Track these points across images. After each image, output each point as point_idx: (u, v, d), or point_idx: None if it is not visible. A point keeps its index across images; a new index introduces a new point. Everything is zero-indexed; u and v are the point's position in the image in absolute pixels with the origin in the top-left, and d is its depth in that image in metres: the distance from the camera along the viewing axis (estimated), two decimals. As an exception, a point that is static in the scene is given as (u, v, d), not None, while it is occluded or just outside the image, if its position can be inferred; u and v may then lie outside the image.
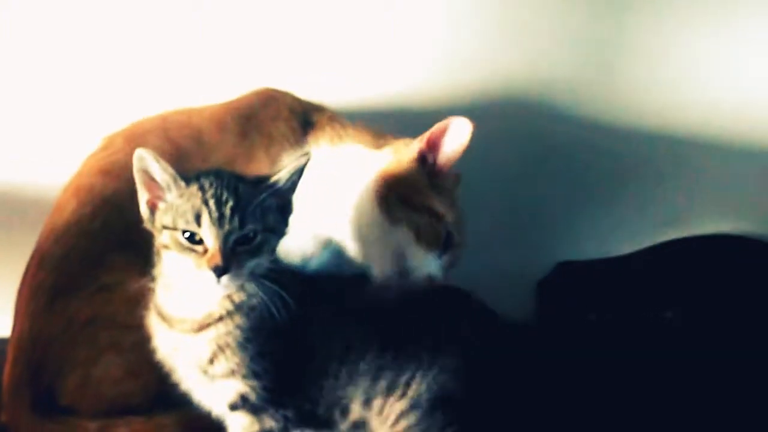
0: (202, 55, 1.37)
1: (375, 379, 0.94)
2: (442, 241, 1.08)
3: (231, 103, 1.20)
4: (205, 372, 0.91)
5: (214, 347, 0.90)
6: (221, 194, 0.86)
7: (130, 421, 1.02)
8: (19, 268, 1.11)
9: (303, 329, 0.93)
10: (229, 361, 0.90)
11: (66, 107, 1.36)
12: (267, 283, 0.88)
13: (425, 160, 1.10)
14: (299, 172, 0.91)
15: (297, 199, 1.05)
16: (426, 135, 1.09)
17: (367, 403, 0.94)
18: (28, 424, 1.04)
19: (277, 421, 0.93)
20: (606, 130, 1.49)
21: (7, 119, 1.36)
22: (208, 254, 0.85)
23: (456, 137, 1.08)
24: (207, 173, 0.89)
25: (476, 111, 1.32)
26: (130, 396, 1.03)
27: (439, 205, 1.09)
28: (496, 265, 1.39)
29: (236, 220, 0.85)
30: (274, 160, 1.13)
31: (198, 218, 0.85)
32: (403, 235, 1.08)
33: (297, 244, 1.11)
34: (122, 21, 1.35)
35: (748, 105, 1.50)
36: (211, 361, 0.90)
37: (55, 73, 1.35)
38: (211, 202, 0.85)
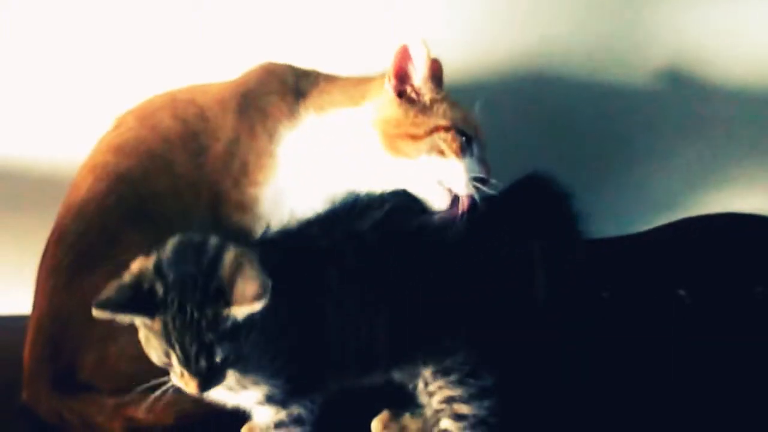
0: (212, 34, 1.38)
1: (399, 336, 0.93)
2: (463, 144, 1.06)
3: (232, 81, 1.21)
4: (230, 388, 0.91)
5: (237, 375, 0.90)
6: (184, 337, 0.82)
7: (147, 398, 1.03)
8: (38, 247, 1.12)
9: (307, 314, 0.92)
10: (250, 375, 0.90)
11: (81, 89, 1.37)
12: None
13: (404, 92, 1.09)
14: None
15: (306, 174, 1.09)
16: (390, 71, 1.08)
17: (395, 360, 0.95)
18: (48, 401, 1.05)
19: (304, 406, 0.94)
20: (623, 107, 1.48)
21: (25, 101, 1.37)
22: (185, 381, 0.84)
23: (417, 58, 1.07)
24: (169, 290, 0.82)
25: (490, 88, 1.32)
26: (148, 373, 1.04)
27: (441, 119, 1.08)
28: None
29: (203, 361, 0.82)
30: (271, 135, 1.14)
31: (168, 355, 0.83)
32: (431, 162, 1.06)
33: None
34: (134, 3, 1.35)
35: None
36: (239, 382, 0.91)
37: (70, 57, 1.36)
38: (177, 346, 0.82)
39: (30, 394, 1.07)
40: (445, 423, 0.96)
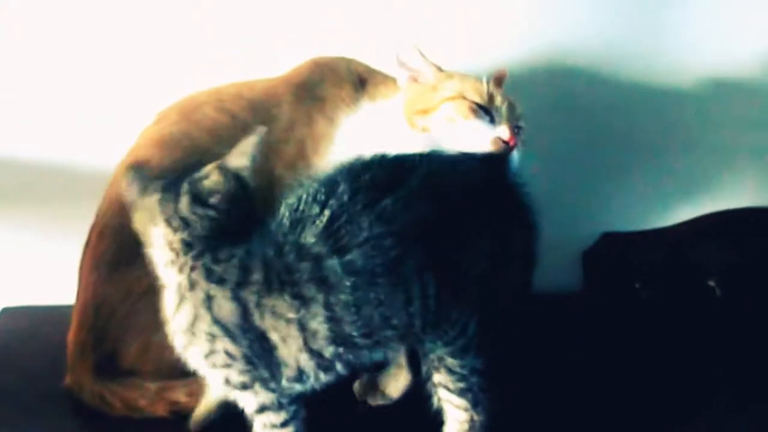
0: (253, 31, 1.39)
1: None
2: (473, 109, 1.11)
3: (281, 76, 1.23)
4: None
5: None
6: None
7: (189, 383, 1.07)
8: (80, 239, 1.15)
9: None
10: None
11: (121, 85, 1.39)
12: None
13: (417, 79, 1.16)
14: None
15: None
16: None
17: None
18: (91, 386, 1.09)
19: (269, 392, 0.93)
20: (651, 99, 1.48)
21: (65, 95, 1.39)
22: None
23: (411, 58, 1.16)
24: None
25: (515, 80, 1.33)
26: (189, 361, 1.07)
27: (446, 92, 1.13)
28: (541, 235, 1.39)
29: None
30: (331, 120, 1.17)
31: None
32: (447, 130, 1.11)
33: None
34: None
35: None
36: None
37: (111, 52, 1.38)
38: None
39: (73, 379, 1.10)
40: (438, 377, 0.97)
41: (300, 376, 0.91)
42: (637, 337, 1.28)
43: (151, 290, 1.05)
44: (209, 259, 0.90)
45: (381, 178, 0.91)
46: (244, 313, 0.88)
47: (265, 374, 0.91)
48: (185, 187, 0.92)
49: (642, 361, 1.21)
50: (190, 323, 0.90)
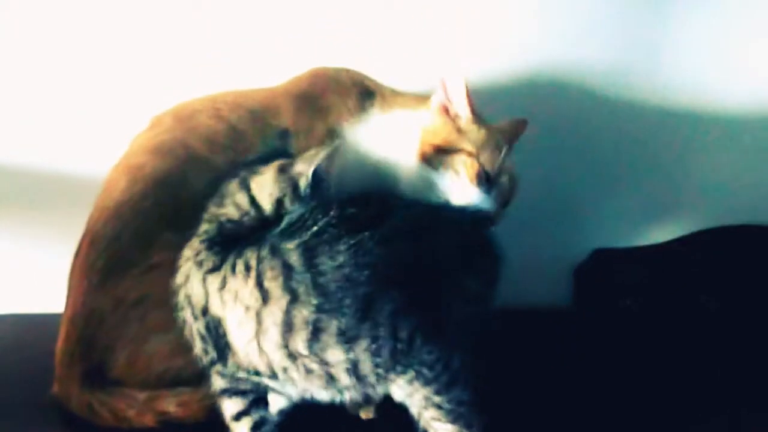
0: (248, 38, 1.39)
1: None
2: (479, 175, 1.11)
3: (280, 86, 1.22)
4: None
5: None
6: None
7: (178, 392, 1.06)
8: (70, 247, 1.14)
9: None
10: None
11: (114, 88, 1.38)
12: None
13: (448, 110, 1.15)
14: None
15: (359, 168, 1.12)
16: (439, 90, 1.15)
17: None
18: (78, 395, 1.08)
19: (222, 377, 0.96)
20: (643, 118, 1.49)
21: (56, 100, 1.39)
22: None
23: (454, 88, 1.14)
24: None
25: (510, 97, 1.34)
26: (179, 371, 1.07)
27: (469, 145, 1.12)
28: (533, 252, 1.40)
29: None
30: (333, 131, 1.16)
31: None
32: (445, 177, 1.11)
33: None
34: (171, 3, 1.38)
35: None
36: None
37: (102, 55, 1.38)
38: None
39: (61, 388, 1.09)
40: (428, 414, 0.97)
41: (248, 366, 0.93)
42: (626, 353, 1.28)
43: (140, 300, 1.07)
44: (204, 246, 0.94)
45: (364, 214, 0.93)
46: (206, 299, 0.92)
47: (214, 355, 0.94)
48: (241, 174, 0.94)
49: (632, 376, 1.21)
50: (178, 286, 0.96)
